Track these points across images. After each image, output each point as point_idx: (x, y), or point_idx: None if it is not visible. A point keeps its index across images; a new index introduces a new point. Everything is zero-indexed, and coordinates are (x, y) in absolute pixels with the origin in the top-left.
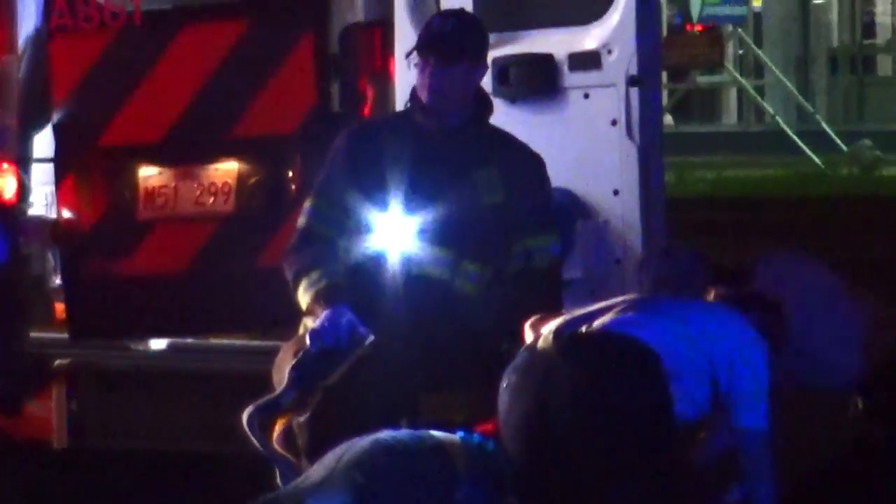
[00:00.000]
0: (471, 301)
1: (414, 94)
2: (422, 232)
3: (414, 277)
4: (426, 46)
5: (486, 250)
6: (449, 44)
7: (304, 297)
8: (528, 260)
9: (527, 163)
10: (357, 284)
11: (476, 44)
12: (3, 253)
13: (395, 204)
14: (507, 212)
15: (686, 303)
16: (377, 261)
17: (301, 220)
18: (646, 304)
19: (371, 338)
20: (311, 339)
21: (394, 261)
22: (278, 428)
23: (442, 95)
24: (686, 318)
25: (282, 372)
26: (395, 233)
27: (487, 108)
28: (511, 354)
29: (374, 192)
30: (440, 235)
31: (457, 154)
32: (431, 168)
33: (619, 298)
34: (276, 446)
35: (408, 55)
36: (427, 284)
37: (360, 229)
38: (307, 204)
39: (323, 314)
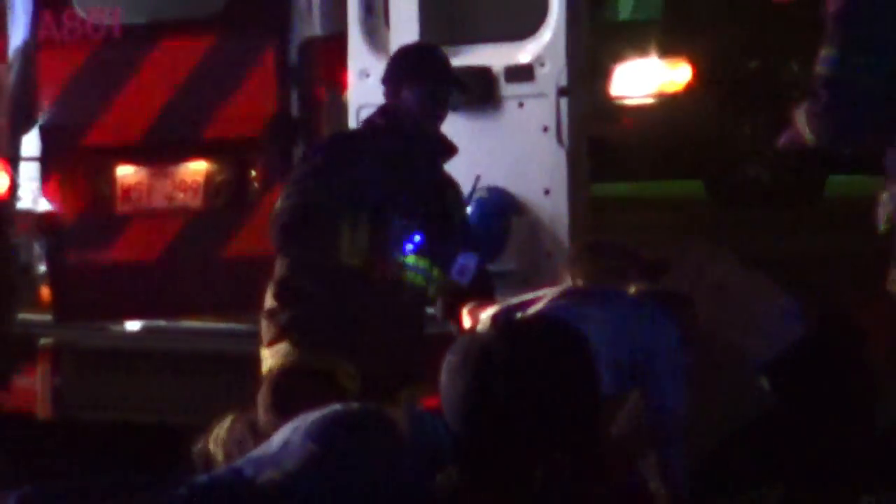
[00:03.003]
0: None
1: (407, 116)
2: (409, 243)
3: (398, 283)
4: (454, 82)
5: (447, 261)
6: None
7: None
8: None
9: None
10: (344, 290)
11: None
12: None
13: (393, 214)
14: (463, 227)
15: (609, 293)
16: (373, 262)
17: (299, 199)
18: (574, 294)
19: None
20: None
21: (384, 267)
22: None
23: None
24: (609, 306)
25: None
26: (387, 242)
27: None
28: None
29: (375, 199)
30: (423, 247)
31: (438, 174)
32: (425, 185)
33: (551, 289)
34: None
35: (431, 88)
36: (408, 290)
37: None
38: (305, 185)
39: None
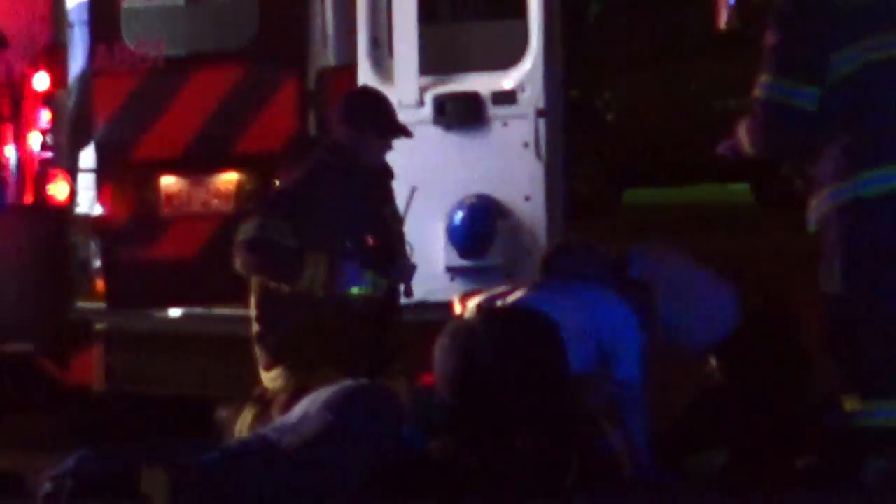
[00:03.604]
0: (394, 308)
1: (353, 152)
2: (364, 260)
3: (349, 298)
4: (400, 131)
5: (388, 266)
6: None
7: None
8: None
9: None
10: (310, 311)
11: None
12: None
13: (348, 236)
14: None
15: (578, 284)
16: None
17: (257, 231)
18: (547, 286)
19: None
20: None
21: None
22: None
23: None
24: (577, 295)
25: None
26: (339, 278)
27: None
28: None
29: (333, 225)
30: (376, 262)
31: (381, 191)
32: (371, 204)
33: (527, 281)
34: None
35: (383, 136)
36: (360, 300)
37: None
38: (264, 219)
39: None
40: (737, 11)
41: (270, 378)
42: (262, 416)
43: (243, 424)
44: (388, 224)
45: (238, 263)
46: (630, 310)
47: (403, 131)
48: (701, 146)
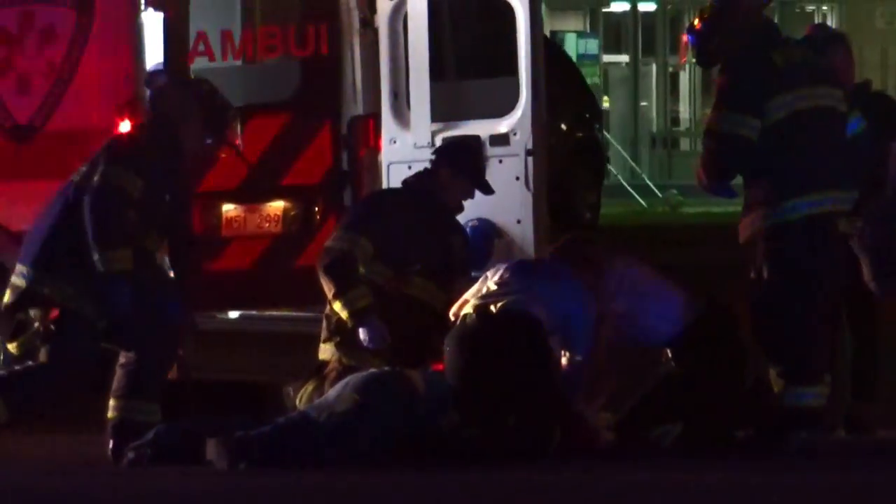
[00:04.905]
0: (435, 314)
1: (436, 189)
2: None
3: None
4: (481, 185)
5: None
6: None
7: (345, 308)
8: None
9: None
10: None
11: None
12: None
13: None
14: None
15: (554, 284)
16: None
17: (343, 244)
18: (517, 273)
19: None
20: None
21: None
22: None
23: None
24: (552, 294)
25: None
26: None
27: None
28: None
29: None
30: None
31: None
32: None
33: (509, 282)
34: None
35: (468, 182)
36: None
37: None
38: (351, 234)
39: (368, 328)
40: (695, 51)
41: (324, 349)
42: (319, 388)
43: (304, 395)
44: (452, 248)
45: (318, 267)
46: (578, 287)
47: (486, 188)
48: None
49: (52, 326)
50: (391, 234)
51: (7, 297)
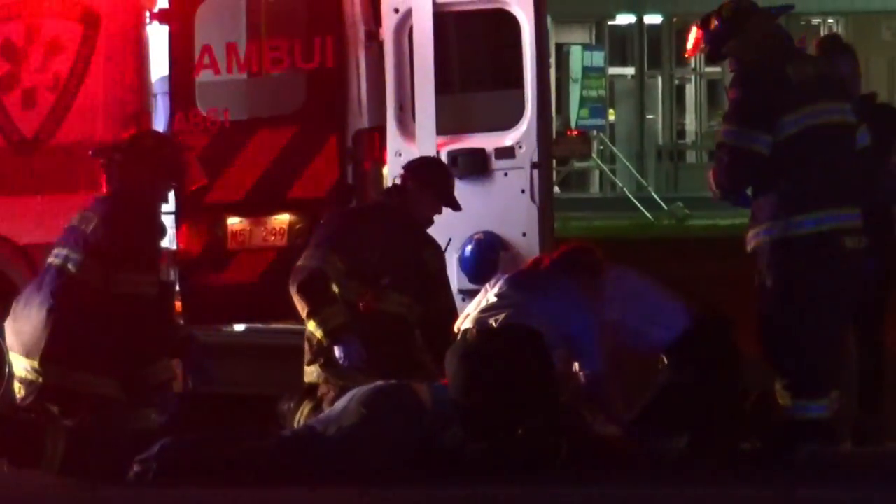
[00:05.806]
0: (412, 326)
1: (407, 204)
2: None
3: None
4: (450, 202)
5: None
6: None
7: (320, 327)
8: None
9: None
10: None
11: None
12: None
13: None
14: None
15: (553, 295)
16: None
17: (314, 263)
18: (516, 286)
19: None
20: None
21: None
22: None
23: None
24: (552, 305)
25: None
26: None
27: None
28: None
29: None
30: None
31: (421, 237)
32: (407, 245)
33: (509, 295)
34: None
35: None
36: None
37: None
38: (322, 252)
39: (344, 346)
40: (707, 49)
41: (308, 372)
42: (316, 409)
43: (301, 415)
44: (425, 261)
45: (290, 287)
46: (577, 294)
47: (454, 204)
48: None
49: None
50: (362, 251)
51: None
